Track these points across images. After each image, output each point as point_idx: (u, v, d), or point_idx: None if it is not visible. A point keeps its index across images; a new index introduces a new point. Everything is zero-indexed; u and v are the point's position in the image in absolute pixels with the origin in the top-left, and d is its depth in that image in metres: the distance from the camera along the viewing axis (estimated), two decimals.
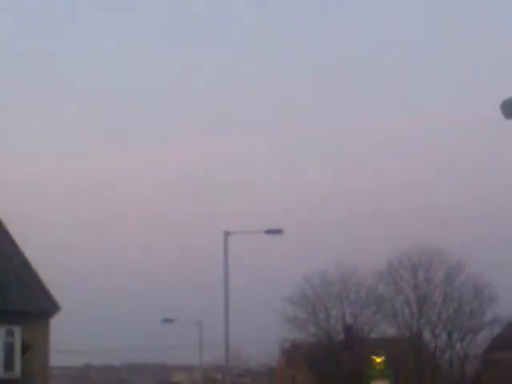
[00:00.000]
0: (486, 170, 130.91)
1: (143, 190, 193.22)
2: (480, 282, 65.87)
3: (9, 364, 32.42)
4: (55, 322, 36.49)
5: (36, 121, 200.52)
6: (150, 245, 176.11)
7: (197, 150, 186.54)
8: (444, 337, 67.72)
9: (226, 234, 39.01)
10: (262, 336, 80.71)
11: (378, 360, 61.24)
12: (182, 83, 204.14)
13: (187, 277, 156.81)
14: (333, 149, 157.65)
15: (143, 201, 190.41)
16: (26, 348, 32.90)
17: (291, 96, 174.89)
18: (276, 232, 40.35)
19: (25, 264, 36.19)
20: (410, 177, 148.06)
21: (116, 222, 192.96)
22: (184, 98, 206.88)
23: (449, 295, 66.76)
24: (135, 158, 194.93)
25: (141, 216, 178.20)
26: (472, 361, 68.22)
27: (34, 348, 33.48)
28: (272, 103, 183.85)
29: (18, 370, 32.61)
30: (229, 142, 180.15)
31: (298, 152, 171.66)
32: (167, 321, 60.33)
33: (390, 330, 69.94)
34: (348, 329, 68.88)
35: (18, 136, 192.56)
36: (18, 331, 32.81)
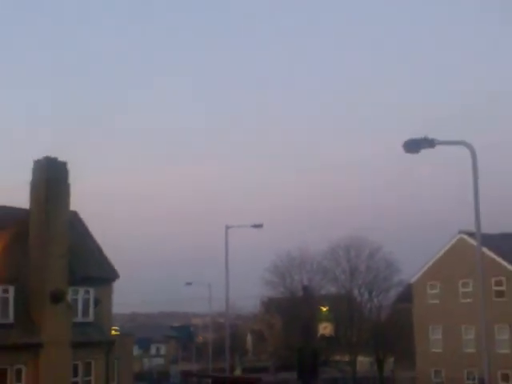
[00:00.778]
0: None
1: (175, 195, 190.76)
2: (390, 258, 67.14)
3: (85, 312, 32.64)
4: (116, 285, 35.99)
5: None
6: (178, 235, 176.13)
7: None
8: (366, 294, 68.45)
9: (227, 227, 41.09)
10: (250, 293, 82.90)
11: (324, 309, 63.05)
12: None
13: (201, 254, 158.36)
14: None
15: (174, 204, 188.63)
16: (97, 302, 33.17)
17: None
18: (258, 226, 42.49)
19: (96, 246, 36.08)
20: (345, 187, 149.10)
21: (155, 221, 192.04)
22: None
23: (370, 267, 67.48)
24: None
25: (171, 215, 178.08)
26: (384, 309, 69.33)
27: (102, 302, 33.73)
28: None
29: (91, 316, 32.90)
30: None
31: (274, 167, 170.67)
32: (188, 284, 62.10)
33: (332, 289, 70.74)
34: (305, 288, 69.66)
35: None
36: (92, 291, 32.83)
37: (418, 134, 15.78)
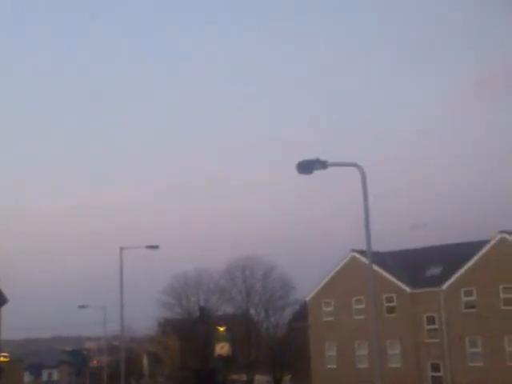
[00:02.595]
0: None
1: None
2: (285, 278, 67.76)
3: None
4: (5, 309, 35.97)
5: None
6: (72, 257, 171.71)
7: None
8: (263, 313, 68.93)
9: (122, 248, 40.34)
10: (145, 315, 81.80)
11: (221, 329, 63.07)
12: None
13: (95, 275, 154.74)
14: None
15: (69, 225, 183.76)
16: None
17: None
18: (153, 247, 41.98)
19: None
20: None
21: (49, 242, 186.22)
22: None
23: (265, 286, 68.06)
24: None
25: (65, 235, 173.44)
26: (281, 327, 69.79)
27: None
28: None
29: None
30: None
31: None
32: (82, 307, 60.66)
33: (228, 309, 70.83)
34: (202, 309, 69.78)
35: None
36: None
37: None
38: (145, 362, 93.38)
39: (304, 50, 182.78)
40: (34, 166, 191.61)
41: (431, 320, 50.52)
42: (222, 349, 64.24)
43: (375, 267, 40.97)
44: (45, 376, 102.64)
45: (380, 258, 50.37)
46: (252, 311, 68.92)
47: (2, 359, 36.69)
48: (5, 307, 34.87)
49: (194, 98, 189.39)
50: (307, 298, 58.08)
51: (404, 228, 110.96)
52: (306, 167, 16.10)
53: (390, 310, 51.66)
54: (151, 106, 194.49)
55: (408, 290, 51.50)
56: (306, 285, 60.89)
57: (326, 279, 56.37)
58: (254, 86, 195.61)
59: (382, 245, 43.97)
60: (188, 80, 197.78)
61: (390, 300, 51.89)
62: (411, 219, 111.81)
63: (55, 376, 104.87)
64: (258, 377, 68.24)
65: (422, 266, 52.94)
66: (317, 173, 16.38)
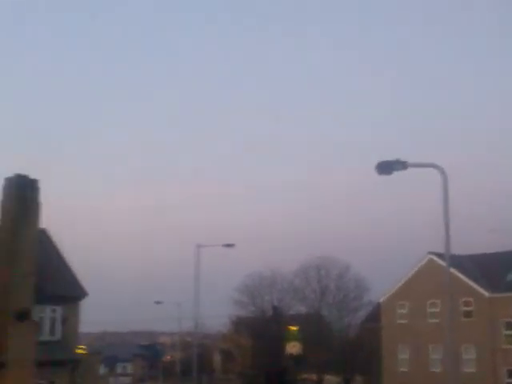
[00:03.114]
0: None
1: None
2: (360, 278, 66.93)
3: (52, 331, 32.62)
4: (85, 303, 35.49)
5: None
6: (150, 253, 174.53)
7: None
8: (336, 314, 68.32)
9: (198, 246, 40.85)
10: (219, 312, 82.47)
11: (293, 328, 62.66)
12: None
13: (172, 272, 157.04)
14: None
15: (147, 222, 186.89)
16: (64, 320, 33.09)
17: None
18: (230, 245, 42.35)
19: (65, 264, 35.72)
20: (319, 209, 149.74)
21: (126, 239, 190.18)
22: None
23: (340, 286, 67.30)
24: None
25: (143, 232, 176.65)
26: (353, 328, 69.07)
27: (69, 320, 33.54)
28: None
29: (58, 335, 32.82)
30: None
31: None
32: (158, 302, 61.77)
33: (301, 309, 70.58)
34: (275, 308, 69.54)
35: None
36: (59, 309, 32.84)
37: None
38: (217, 358, 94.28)
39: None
40: (104, 163, 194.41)
41: (510, 325, 49.18)
42: (292, 348, 63.92)
43: (453, 270, 40.10)
44: (119, 369, 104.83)
45: (458, 262, 49.27)
46: (325, 311, 68.55)
47: (80, 351, 37.55)
48: (84, 301, 35.15)
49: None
50: (381, 300, 57.54)
51: (481, 232, 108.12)
52: (386, 168, 15.89)
53: (467, 314, 50.57)
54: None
55: (486, 294, 50.24)
56: (380, 286, 60.36)
57: (402, 281, 55.66)
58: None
59: (459, 248, 42.99)
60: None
61: (467, 304, 50.78)
62: (489, 223, 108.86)
63: (129, 369, 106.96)
64: (328, 377, 67.91)
65: (502, 271, 51.63)
66: (395, 174, 16.23)
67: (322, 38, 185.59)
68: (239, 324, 74.88)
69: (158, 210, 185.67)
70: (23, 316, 29.34)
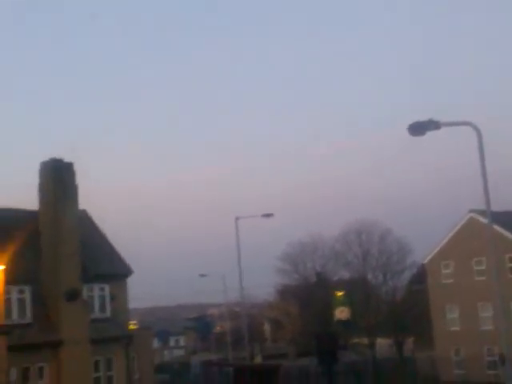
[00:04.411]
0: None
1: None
2: (402, 240, 66.19)
3: (102, 308, 33.30)
4: (133, 280, 36.16)
5: None
6: (190, 227, 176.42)
7: None
8: (380, 277, 67.80)
9: (237, 218, 41.20)
10: (264, 282, 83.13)
11: (340, 293, 62.78)
12: None
13: (214, 245, 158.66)
14: None
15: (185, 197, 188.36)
16: (112, 298, 33.58)
17: None
18: (268, 215, 42.60)
19: (107, 243, 36.31)
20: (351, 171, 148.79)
21: (167, 215, 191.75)
22: None
23: (382, 250, 66.23)
24: None
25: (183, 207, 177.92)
26: (399, 291, 68.79)
27: (118, 298, 34.07)
28: None
29: (108, 312, 33.44)
30: None
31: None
32: (202, 275, 62.32)
33: (345, 274, 70.28)
34: (318, 275, 70.12)
35: None
36: (107, 287, 33.42)
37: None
38: (266, 327, 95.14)
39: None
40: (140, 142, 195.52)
41: None
42: (341, 313, 64.12)
43: (496, 227, 39.71)
44: (172, 342, 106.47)
45: (500, 218, 48.56)
46: (369, 275, 68.09)
47: (131, 327, 38.30)
48: (131, 278, 36.17)
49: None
50: (425, 261, 57.18)
51: None
52: (419, 128, 15.75)
53: None
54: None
55: None
56: (424, 247, 59.81)
57: (444, 241, 55.21)
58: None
59: (500, 204, 42.42)
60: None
61: None
62: None
63: (182, 342, 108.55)
64: (379, 340, 68.02)
65: None
66: (430, 134, 16.07)
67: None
68: (285, 292, 75.54)
69: (197, 185, 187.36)
70: (73, 296, 30.21)
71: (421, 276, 59.88)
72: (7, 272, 27.75)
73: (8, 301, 28.65)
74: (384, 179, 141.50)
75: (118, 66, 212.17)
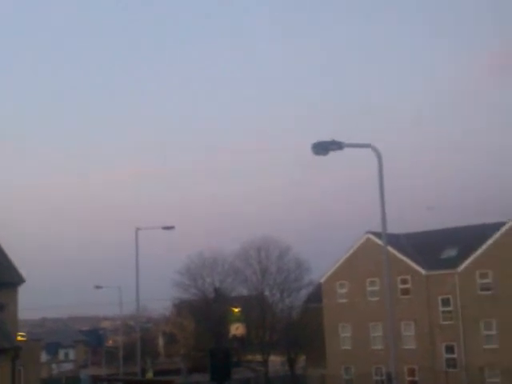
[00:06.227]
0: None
1: None
2: (300, 259, 67.12)
3: None
4: (24, 289, 35.54)
5: None
6: (89, 238, 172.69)
7: None
8: (278, 295, 68.32)
9: (137, 229, 40.58)
10: (161, 296, 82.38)
11: (236, 310, 63.27)
12: None
13: (111, 256, 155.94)
14: None
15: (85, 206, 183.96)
16: (1, 307, 32.33)
17: None
18: (169, 228, 42.19)
19: (1, 251, 35.18)
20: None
21: (63, 223, 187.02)
22: None
23: (280, 267, 66.95)
24: None
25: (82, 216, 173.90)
26: (296, 309, 69.26)
27: (7, 307, 32.94)
28: None
29: None
30: None
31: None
32: (97, 287, 61.26)
33: (243, 291, 70.58)
34: (216, 290, 69.71)
35: None
36: None
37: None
38: (160, 341, 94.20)
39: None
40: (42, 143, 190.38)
41: (446, 302, 50.55)
42: (236, 330, 64.59)
43: (390, 249, 40.98)
44: (61, 355, 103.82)
45: (395, 240, 50.42)
46: (267, 292, 68.51)
47: (19, 339, 37.07)
48: (21, 287, 35.07)
49: None
50: (322, 280, 58.23)
51: (418, 210, 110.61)
52: (322, 148, 16.06)
53: (405, 291, 51.76)
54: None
55: (423, 271, 51.49)
56: (322, 266, 60.92)
57: (341, 261, 56.47)
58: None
59: (396, 226, 43.93)
60: None
61: (404, 282, 51.95)
62: (426, 201, 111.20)
63: (72, 355, 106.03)
64: (272, 358, 68.52)
65: (438, 248, 52.91)
66: (332, 154, 16.42)
67: None
68: (181, 307, 74.93)
69: (94, 193, 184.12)
70: None
71: (317, 295, 60.82)
72: None
73: None
74: (288, 197, 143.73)
75: None
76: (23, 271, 35.28)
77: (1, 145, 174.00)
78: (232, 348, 62.03)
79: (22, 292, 35.26)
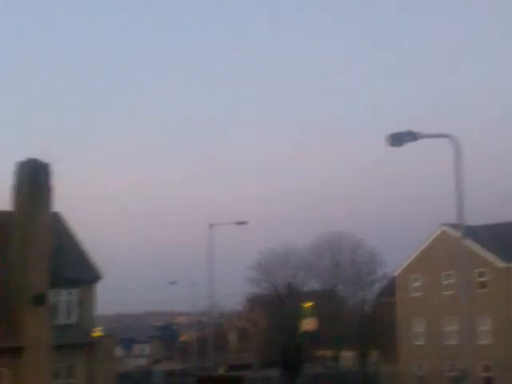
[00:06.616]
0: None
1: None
2: (373, 252, 66.79)
3: (68, 314, 33.09)
4: (100, 285, 35.27)
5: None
6: (162, 234, 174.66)
7: None
8: (350, 289, 68.11)
9: (211, 225, 40.93)
10: (234, 291, 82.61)
11: (307, 305, 62.92)
12: None
13: (185, 252, 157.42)
14: None
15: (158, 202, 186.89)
16: (80, 303, 33.44)
17: None
18: (242, 223, 42.44)
19: (79, 247, 35.87)
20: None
21: (139, 219, 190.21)
22: None
23: (353, 261, 67.06)
24: None
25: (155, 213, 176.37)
26: (369, 303, 68.94)
27: (85, 303, 33.88)
28: None
29: (74, 318, 33.23)
30: None
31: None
32: (172, 283, 62.10)
33: (315, 285, 70.55)
34: (289, 285, 69.35)
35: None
36: (75, 292, 33.21)
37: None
38: (232, 337, 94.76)
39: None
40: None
41: None
42: (308, 324, 64.15)
43: (467, 241, 39.99)
44: (136, 350, 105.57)
45: (472, 232, 48.86)
46: (339, 287, 68.72)
47: (96, 334, 37.81)
48: (98, 284, 35.30)
49: None
50: (395, 273, 57.50)
51: (495, 201, 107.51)
52: (397, 139, 15.77)
53: (482, 285, 50.48)
54: None
55: (501, 264, 50.08)
56: (396, 259, 60.23)
57: (415, 254, 55.61)
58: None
59: (473, 218, 42.64)
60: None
61: (481, 275, 50.65)
62: (503, 192, 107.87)
63: (146, 350, 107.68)
64: (344, 353, 68.08)
65: None
66: (408, 145, 16.04)
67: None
68: (254, 302, 75.16)
69: (170, 189, 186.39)
70: (39, 300, 29.64)
71: (390, 288, 60.25)
72: None
73: None
74: (359, 189, 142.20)
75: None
76: (100, 268, 35.80)
77: None
78: (303, 343, 61.97)
79: (99, 288, 35.54)
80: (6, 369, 28.92)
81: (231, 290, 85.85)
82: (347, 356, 69.30)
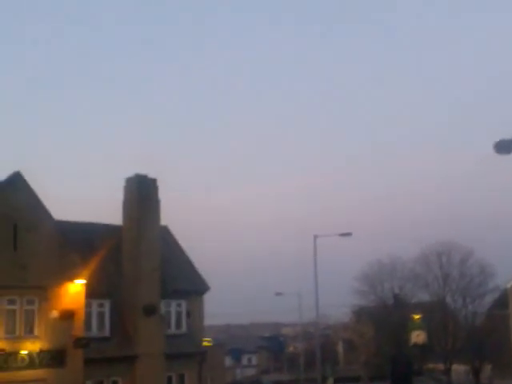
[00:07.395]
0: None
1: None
2: (484, 263, 64.62)
3: (178, 324, 33.50)
4: (209, 296, 36.18)
5: None
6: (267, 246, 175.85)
7: None
8: (460, 301, 66.34)
9: (315, 236, 40.98)
10: (339, 302, 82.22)
11: (417, 317, 61.66)
12: None
13: (290, 263, 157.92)
14: None
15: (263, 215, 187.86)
16: (189, 314, 33.84)
17: None
18: (346, 234, 42.22)
19: (187, 259, 36.41)
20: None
21: (244, 232, 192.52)
22: None
23: (463, 272, 65.28)
24: None
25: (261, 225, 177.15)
26: (479, 316, 66.92)
27: (194, 314, 34.31)
28: None
29: (184, 328, 33.59)
30: None
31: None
32: (278, 294, 62.28)
33: (423, 297, 68.93)
34: (396, 296, 68.56)
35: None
36: (184, 303, 33.64)
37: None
38: (340, 348, 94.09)
39: None
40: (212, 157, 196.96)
41: None
42: (417, 337, 62.85)
43: None
44: (244, 361, 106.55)
45: None
46: (449, 299, 66.83)
47: (205, 344, 38.55)
48: (207, 295, 35.94)
49: None
50: (508, 285, 55.60)
51: None
52: (507, 147, 15.22)
53: None
54: None
55: None
56: (507, 271, 58.06)
57: None
58: None
59: None
60: None
61: None
62: None
63: (254, 361, 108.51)
64: (455, 366, 66.28)
65: None
66: None
67: None
68: (361, 313, 74.36)
69: (277, 202, 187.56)
70: (152, 311, 30.61)
71: (503, 301, 58.51)
72: (88, 286, 28.18)
73: (88, 314, 29.08)
74: (465, 198, 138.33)
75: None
76: (210, 279, 36.39)
77: None
78: (413, 356, 60.73)
79: (208, 299, 36.15)
80: (120, 377, 29.92)
81: (336, 301, 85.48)
82: (459, 369, 67.39)
